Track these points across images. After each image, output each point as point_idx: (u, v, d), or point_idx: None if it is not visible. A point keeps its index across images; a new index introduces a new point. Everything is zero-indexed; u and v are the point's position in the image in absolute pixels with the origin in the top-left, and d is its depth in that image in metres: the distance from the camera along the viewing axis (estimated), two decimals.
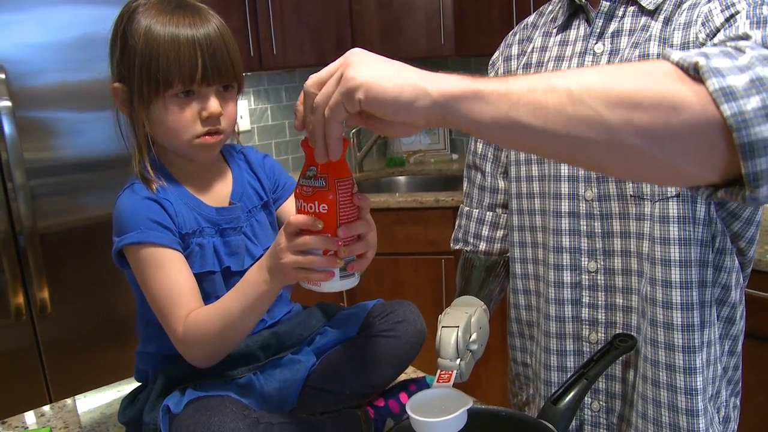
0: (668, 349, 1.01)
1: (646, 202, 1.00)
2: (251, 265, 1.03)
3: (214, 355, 0.96)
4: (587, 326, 1.11)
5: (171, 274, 0.96)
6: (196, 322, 0.94)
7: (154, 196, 0.98)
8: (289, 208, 1.14)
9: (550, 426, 0.89)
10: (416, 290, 2.71)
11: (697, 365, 1.00)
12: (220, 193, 1.07)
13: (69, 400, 1.27)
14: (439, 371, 0.94)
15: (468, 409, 0.84)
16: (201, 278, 1.01)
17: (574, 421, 1.13)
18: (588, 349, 1.12)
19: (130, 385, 1.20)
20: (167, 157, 1.03)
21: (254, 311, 0.92)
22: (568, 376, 1.14)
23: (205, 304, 1.01)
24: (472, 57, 3.17)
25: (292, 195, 1.12)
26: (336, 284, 0.86)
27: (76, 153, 2.17)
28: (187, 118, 0.96)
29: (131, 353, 1.08)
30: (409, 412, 0.83)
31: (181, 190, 1.02)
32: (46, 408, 1.25)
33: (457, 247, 1.29)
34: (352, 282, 0.87)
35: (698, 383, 1.00)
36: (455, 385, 0.92)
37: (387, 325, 1.08)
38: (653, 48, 0.99)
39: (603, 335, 1.10)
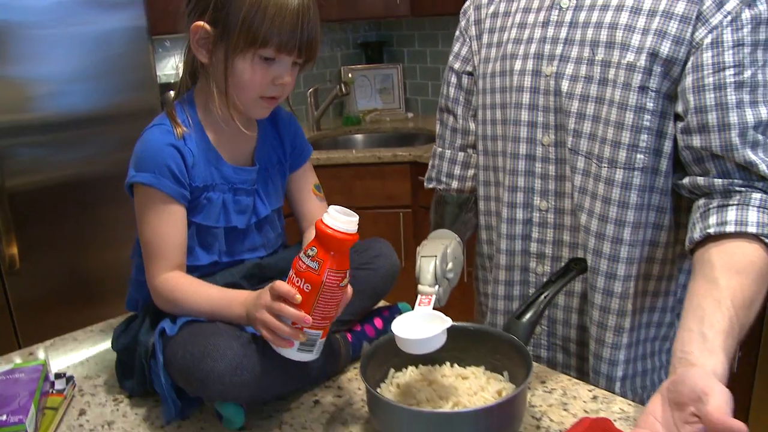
0: (608, 277, 1.12)
1: (603, 166, 1.09)
2: (255, 222, 1.13)
3: (174, 313, 1.04)
4: (534, 259, 1.22)
5: (166, 225, 1.04)
6: (172, 289, 1.03)
7: (178, 144, 1.04)
8: (298, 179, 1.23)
9: (513, 337, 0.99)
10: None
11: (629, 307, 1.13)
12: (243, 149, 1.13)
13: (47, 342, 1.34)
14: (419, 296, 1.03)
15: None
16: (204, 230, 1.09)
17: None
18: (534, 280, 1.23)
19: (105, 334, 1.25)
20: (211, 100, 1.06)
21: (220, 320, 1.01)
22: (513, 305, 1.26)
23: (206, 256, 1.10)
24: (426, 17, 3.24)
25: (307, 165, 1.23)
26: (292, 354, 0.94)
27: (44, 113, 2.17)
28: (263, 79, 1.02)
29: (102, 312, 1.14)
30: (395, 331, 0.93)
31: (206, 141, 1.08)
32: (15, 356, 1.31)
33: (431, 186, 1.38)
34: (308, 356, 0.95)
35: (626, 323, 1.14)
36: None
37: (365, 259, 1.17)
38: (624, 18, 1.06)
39: (548, 268, 1.21)
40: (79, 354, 1.28)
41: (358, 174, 2.79)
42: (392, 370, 1.03)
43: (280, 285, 0.90)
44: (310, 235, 1.19)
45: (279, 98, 1.07)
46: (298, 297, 0.89)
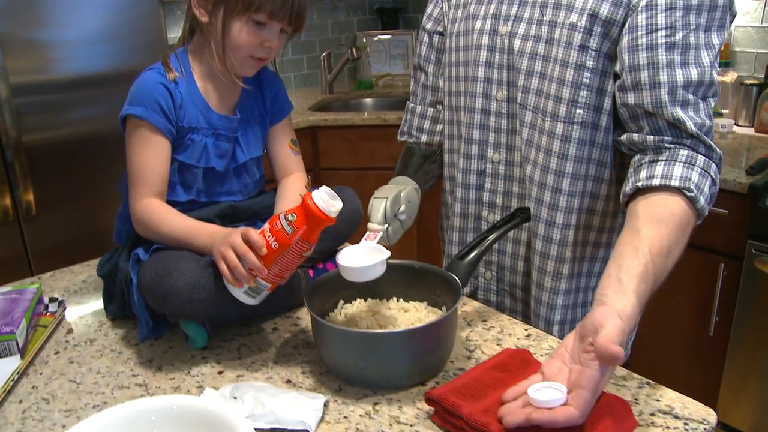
0: (548, 224, 1.21)
1: (547, 120, 1.17)
2: (234, 168, 1.24)
3: (149, 237, 1.16)
4: (486, 208, 1.31)
5: (151, 155, 1.16)
6: (150, 213, 1.15)
7: (169, 85, 1.17)
8: (277, 132, 1.34)
9: (454, 276, 1.09)
10: None
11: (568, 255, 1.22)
12: (228, 100, 1.25)
13: (48, 273, 1.47)
14: (367, 232, 1.13)
15: (387, 260, 1.03)
16: (185, 168, 1.21)
17: (468, 287, 1.36)
18: (486, 228, 1.32)
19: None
20: (208, 54, 1.19)
21: (188, 248, 1.12)
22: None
23: (185, 194, 1.22)
24: None
25: (285, 120, 1.34)
26: (237, 293, 1.04)
27: (61, 74, 2.29)
28: (254, 41, 1.14)
29: None
30: (338, 260, 1.03)
31: (195, 88, 1.21)
32: (18, 283, 1.45)
33: (402, 139, 1.47)
34: (250, 301, 1.05)
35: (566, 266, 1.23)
36: None
37: None
38: (561, 17, 1.14)
39: (499, 217, 1.30)
40: (74, 284, 1.41)
41: (364, 135, 2.88)
42: (342, 302, 1.14)
43: (253, 233, 1.01)
44: (285, 188, 1.30)
45: (266, 60, 1.20)
46: (264, 250, 1.00)
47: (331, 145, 2.92)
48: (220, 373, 1.06)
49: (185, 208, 1.21)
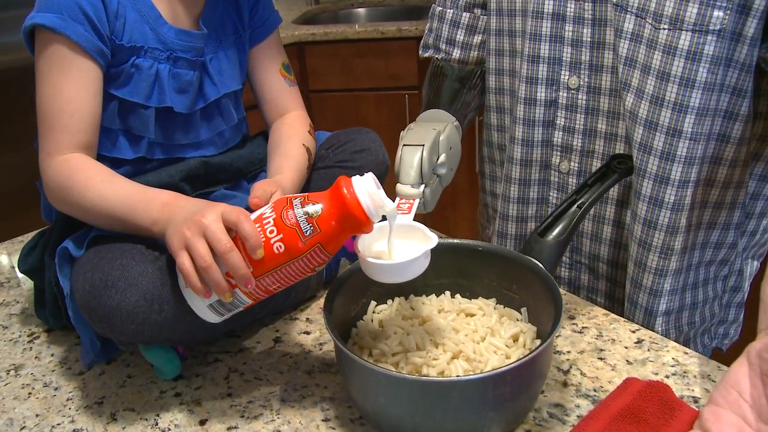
0: (659, 181, 0.85)
1: (663, 28, 0.80)
2: (202, 109, 0.86)
3: (70, 213, 0.79)
4: (558, 153, 0.95)
5: (73, 87, 0.78)
6: (70, 173, 0.76)
7: None
8: (262, 55, 0.96)
9: (536, 261, 0.74)
10: (378, 129, 2.47)
11: (683, 222, 0.86)
12: (189, 8, 0.87)
13: None
14: (398, 200, 0.76)
15: (432, 248, 0.67)
16: (129, 109, 0.83)
17: None
18: (557, 180, 0.97)
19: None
20: None
21: (131, 230, 0.75)
22: (529, 210, 1.00)
23: (132, 150, 0.84)
24: None
25: (272, 38, 0.97)
26: (197, 304, 0.67)
27: None
28: None
29: None
30: (359, 249, 0.67)
31: None
32: None
33: (427, 54, 1.08)
34: (213, 318, 0.68)
35: (678, 242, 0.87)
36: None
37: (345, 155, 0.94)
38: None
39: (576, 165, 0.95)
40: None
41: (358, 51, 2.49)
42: (373, 303, 0.79)
43: (246, 220, 0.63)
44: (281, 135, 0.93)
45: None
46: (261, 252, 0.63)
47: (321, 64, 2.52)
48: (202, 423, 0.71)
49: (134, 169, 0.85)
